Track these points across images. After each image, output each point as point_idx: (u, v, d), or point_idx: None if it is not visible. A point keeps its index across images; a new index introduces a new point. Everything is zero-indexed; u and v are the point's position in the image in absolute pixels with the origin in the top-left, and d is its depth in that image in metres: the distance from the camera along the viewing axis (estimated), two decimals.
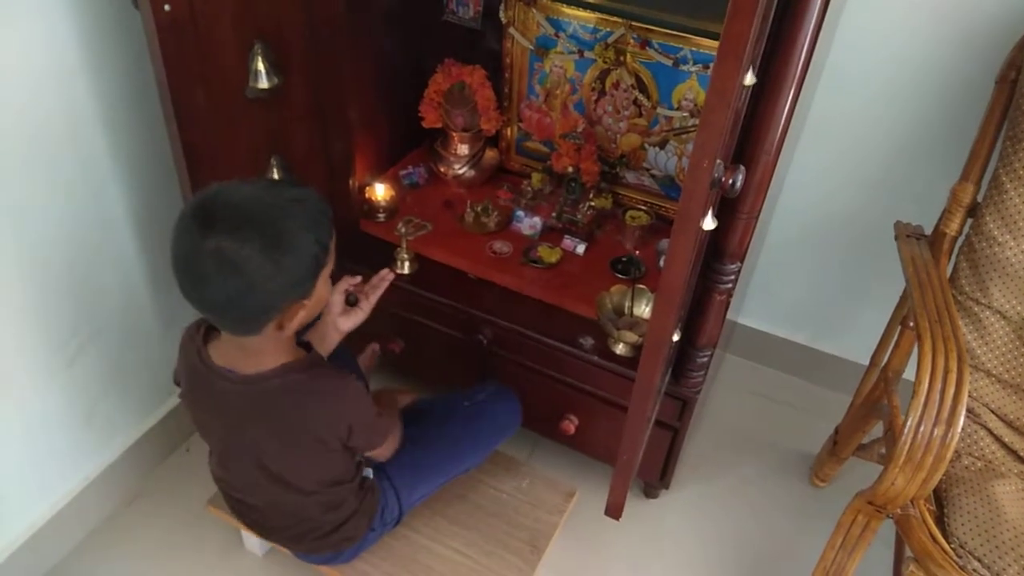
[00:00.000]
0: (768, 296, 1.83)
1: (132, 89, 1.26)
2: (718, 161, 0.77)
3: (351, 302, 1.25)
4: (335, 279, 1.15)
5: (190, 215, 0.89)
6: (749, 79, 0.89)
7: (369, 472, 1.24)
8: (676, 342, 1.15)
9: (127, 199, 1.33)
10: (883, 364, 1.45)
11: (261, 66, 1.21)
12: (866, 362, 1.51)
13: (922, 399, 1.02)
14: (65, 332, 1.30)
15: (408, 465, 1.27)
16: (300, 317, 0.98)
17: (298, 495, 1.12)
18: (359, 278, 1.26)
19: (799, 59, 0.97)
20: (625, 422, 1.01)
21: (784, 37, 0.95)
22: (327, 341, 1.23)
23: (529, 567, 1.32)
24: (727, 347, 1.92)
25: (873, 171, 1.57)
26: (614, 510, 1.12)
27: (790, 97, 1.00)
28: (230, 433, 1.10)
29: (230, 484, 1.20)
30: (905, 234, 1.34)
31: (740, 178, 0.77)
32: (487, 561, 1.32)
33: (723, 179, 0.77)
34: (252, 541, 1.44)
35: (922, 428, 1.01)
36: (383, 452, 1.22)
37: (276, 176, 1.32)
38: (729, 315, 1.77)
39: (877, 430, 1.40)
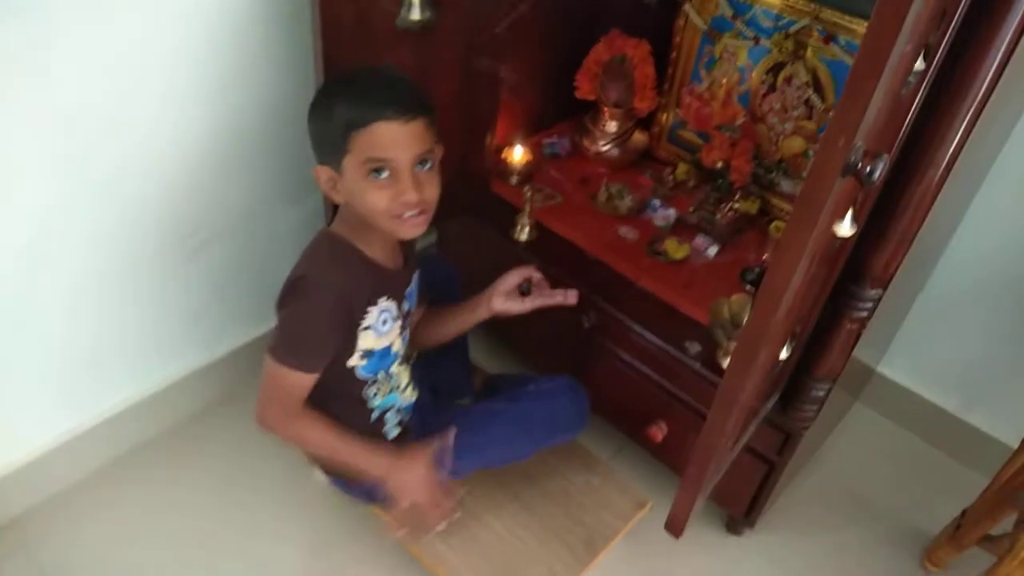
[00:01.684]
0: (919, 349, 1.62)
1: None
2: (858, 143, 0.65)
3: (523, 291, 1.27)
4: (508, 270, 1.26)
5: None
6: (918, 63, 0.76)
7: (393, 431, 1.20)
8: (783, 361, 1.03)
9: (266, 110, 1.36)
10: None
11: None
12: (1016, 445, 1.29)
13: None
14: (189, 227, 1.36)
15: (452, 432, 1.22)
16: (334, 189, 1.04)
17: None
18: (540, 276, 1.28)
19: (995, 57, 0.82)
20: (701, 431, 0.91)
21: (981, 25, 0.81)
22: (478, 311, 1.26)
23: (579, 564, 1.24)
24: (859, 395, 1.72)
25: None
26: (674, 524, 1.01)
27: (975, 103, 0.85)
28: None
29: None
30: None
31: (881, 168, 0.65)
32: (537, 547, 1.26)
33: (860, 165, 0.65)
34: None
35: None
36: (260, 389, 1.07)
37: None
38: (867, 359, 1.59)
39: (1009, 522, 1.19)
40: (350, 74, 1.04)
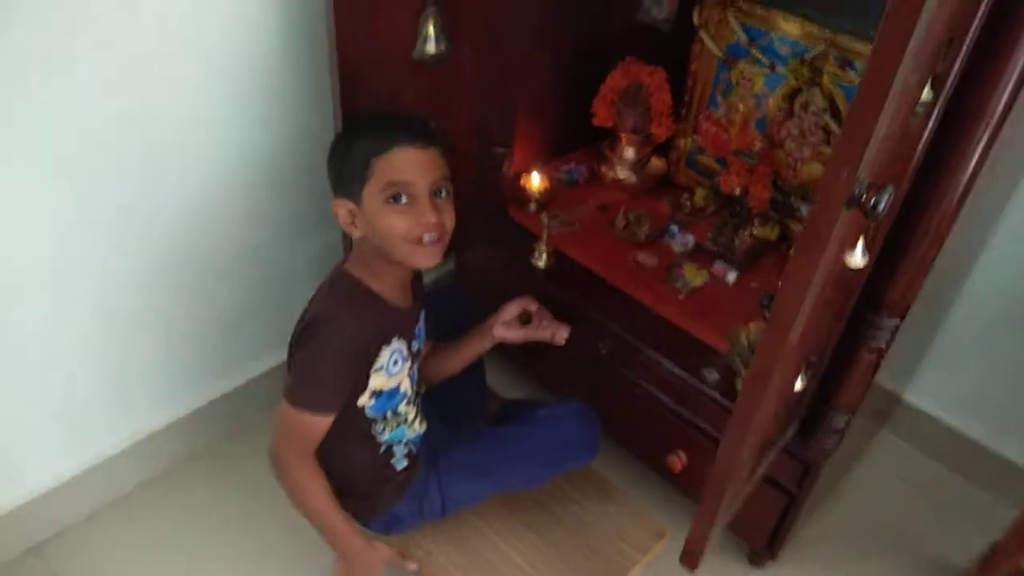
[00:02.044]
0: (946, 377, 1.58)
1: (315, 32, 1.31)
2: (862, 175, 0.65)
3: (523, 320, 1.33)
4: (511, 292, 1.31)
5: None
6: (925, 93, 0.75)
7: (401, 462, 1.20)
8: (798, 391, 1.01)
9: (285, 144, 1.39)
10: None
11: (431, 31, 1.22)
12: None
13: None
14: (206, 259, 1.39)
15: (459, 459, 1.22)
16: (352, 223, 1.05)
17: None
18: (536, 307, 1.34)
19: (1007, 84, 0.81)
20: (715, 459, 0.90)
21: (990, 53, 0.80)
22: (483, 340, 1.32)
23: None
24: (885, 423, 1.69)
25: None
26: (690, 556, 1.00)
27: (989, 129, 0.84)
28: None
29: None
30: None
31: (886, 200, 0.64)
32: None
33: (865, 197, 0.64)
34: None
35: None
36: (275, 430, 1.08)
37: None
38: (893, 387, 1.56)
39: None
40: (369, 114, 1.11)
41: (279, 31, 1.27)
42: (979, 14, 0.78)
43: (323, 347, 1.03)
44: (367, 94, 1.19)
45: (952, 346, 1.55)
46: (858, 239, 0.83)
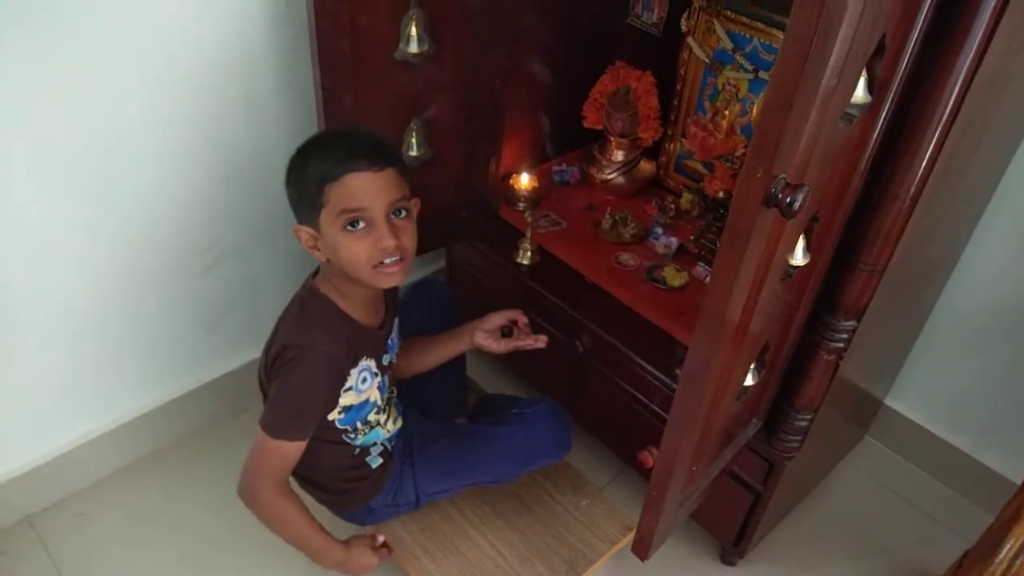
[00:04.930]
0: (930, 383, 1.58)
1: (299, 34, 1.35)
2: (779, 175, 0.68)
3: (504, 332, 1.33)
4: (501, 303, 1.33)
5: None
6: (860, 94, 0.77)
7: (376, 461, 1.23)
8: (751, 387, 1.03)
9: (280, 133, 1.43)
10: None
11: (414, 31, 1.26)
12: None
13: None
14: (203, 243, 1.44)
15: (434, 456, 1.26)
16: (316, 247, 1.06)
17: None
18: (526, 320, 1.35)
19: (952, 89, 0.82)
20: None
21: (937, 54, 0.82)
22: (460, 341, 1.33)
23: None
24: (867, 429, 1.69)
25: None
26: (639, 545, 1.03)
27: (936, 133, 0.86)
28: None
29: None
30: None
31: (801, 198, 0.67)
32: (519, 566, 1.27)
33: (780, 196, 0.67)
34: None
35: (1019, 562, 0.82)
36: (249, 462, 1.09)
37: (413, 138, 1.37)
38: (876, 392, 1.57)
39: None
40: (321, 135, 1.11)
41: (264, 32, 1.31)
42: (921, 13, 0.79)
43: (299, 375, 1.05)
44: (351, 89, 1.23)
45: (935, 353, 1.55)
46: (797, 237, 0.86)
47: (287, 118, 1.42)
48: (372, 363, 1.15)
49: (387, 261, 1.04)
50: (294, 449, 1.08)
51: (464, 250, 1.63)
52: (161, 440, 1.59)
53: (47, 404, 1.40)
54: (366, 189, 1.01)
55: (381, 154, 1.02)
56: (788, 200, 0.67)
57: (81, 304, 1.35)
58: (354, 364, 1.11)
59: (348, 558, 1.20)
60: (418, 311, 1.39)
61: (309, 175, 1.01)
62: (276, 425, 1.06)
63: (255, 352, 1.61)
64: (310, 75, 1.23)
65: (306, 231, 1.06)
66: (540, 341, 1.33)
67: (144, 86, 1.23)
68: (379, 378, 1.17)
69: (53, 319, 1.32)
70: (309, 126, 1.19)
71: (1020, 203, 1.33)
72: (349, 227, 1.02)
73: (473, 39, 1.35)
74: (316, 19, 1.13)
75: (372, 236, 1.02)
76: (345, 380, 1.10)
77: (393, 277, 1.07)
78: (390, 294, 1.21)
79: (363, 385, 1.14)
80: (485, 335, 1.32)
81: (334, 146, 1.03)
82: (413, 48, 1.26)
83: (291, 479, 1.21)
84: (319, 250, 1.06)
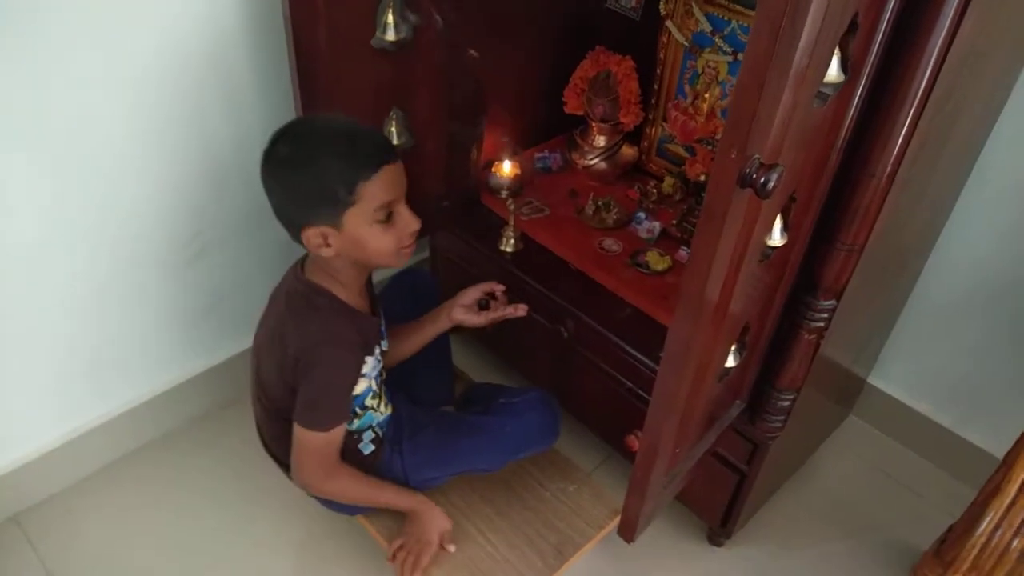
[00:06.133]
0: (912, 362, 1.60)
1: (276, 25, 1.34)
2: (755, 156, 0.68)
3: (482, 305, 1.34)
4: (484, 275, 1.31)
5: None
6: (834, 74, 0.78)
7: (368, 447, 1.24)
8: (733, 368, 1.04)
9: (261, 123, 1.42)
10: (1016, 463, 1.21)
11: (391, 18, 1.25)
12: None
13: (1008, 499, 0.84)
14: (188, 234, 1.43)
15: (423, 444, 1.27)
16: (326, 244, 1.04)
17: (265, 406, 1.19)
18: (503, 288, 1.35)
19: (926, 67, 0.83)
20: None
21: (910, 33, 0.82)
22: (439, 321, 1.33)
23: (548, 570, 1.26)
24: (852, 407, 1.70)
25: None
26: (624, 528, 1.03)
27: (911, 112, 0.86)
28: (260, 326, 1.19)
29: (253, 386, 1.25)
30: None
31: (775, 178, 0.67)
32: (507, 552, 1.28)
33: (755, 176, 0.67)
34: None
35: (999, 534, 0.83)
36: (300, 458, 1.13)
37: (393, 127, 1.36)
38: (859, 371, 1.58)
39: None
40: (326, 138, 1.03)
41: (240, 22, 1.30)
42: None
43: (332, 366, 1.09)
44: (328, 77, 1.22)
45: (917, 331, 1.56)
46: (774, 218, 0.86)
47: (265, 108, 1.41)
48: (377, 349, 1.18)
49: (409, 241, 1.09)
50: (340, 432, 1.13)
51: (447, 239, 1.63)
52: (150, 435, 1.59)
53: (31, 401, 1.39)
54: (395, 181, 1.04)
55: (389, 143, 1.08)
56: (762, 180, 0.67)
57: (64, 300, 1.34)
58: (370, 352, 1.14)
59: (423, 499, 1.25)
60: (400, 302, 1.39)
61: (332, 176, 0.99)
62: (318, 418, 1.09)
63: (241, 345, 1.63)
64: (287, 65, 1.23)
65: (317, 232, 1.03)
66: (520, 309, 1.33)
67: (123, 79, 1.22)
68: (380, 364, 1.20)
69: (35, 316, 1.31)
70: (288, 116, 1.18)
71: (998, 180, 1.34)
72: (384, 219, 1.04)
73: (451, 26, 1.34)
74: (291, 8, 1.12)
75: (400, 223, 1.06)
76: (363, 366, 1.13)
77: (406, 257, 1.11)
78: (368, 285, 1.21)
79: (373, 372, 1.17)
80: (463, 310, 1.32)
81: (356, 144, 1.02)
82: (390, 36, 1.26)
83: (283, 471, 1.25)
84: (329, 246, 1.05)
